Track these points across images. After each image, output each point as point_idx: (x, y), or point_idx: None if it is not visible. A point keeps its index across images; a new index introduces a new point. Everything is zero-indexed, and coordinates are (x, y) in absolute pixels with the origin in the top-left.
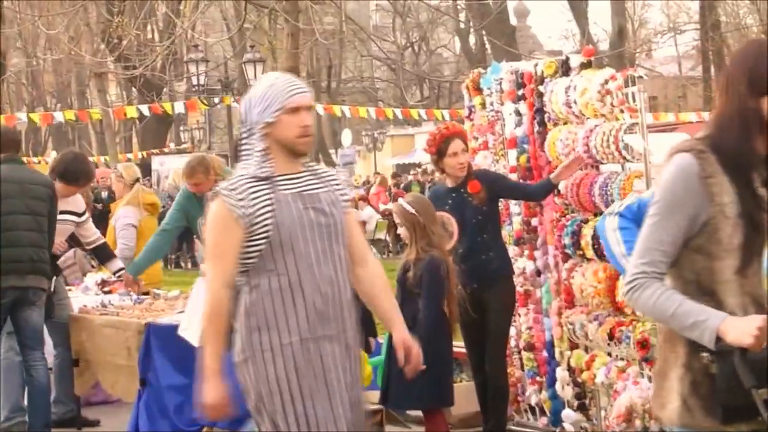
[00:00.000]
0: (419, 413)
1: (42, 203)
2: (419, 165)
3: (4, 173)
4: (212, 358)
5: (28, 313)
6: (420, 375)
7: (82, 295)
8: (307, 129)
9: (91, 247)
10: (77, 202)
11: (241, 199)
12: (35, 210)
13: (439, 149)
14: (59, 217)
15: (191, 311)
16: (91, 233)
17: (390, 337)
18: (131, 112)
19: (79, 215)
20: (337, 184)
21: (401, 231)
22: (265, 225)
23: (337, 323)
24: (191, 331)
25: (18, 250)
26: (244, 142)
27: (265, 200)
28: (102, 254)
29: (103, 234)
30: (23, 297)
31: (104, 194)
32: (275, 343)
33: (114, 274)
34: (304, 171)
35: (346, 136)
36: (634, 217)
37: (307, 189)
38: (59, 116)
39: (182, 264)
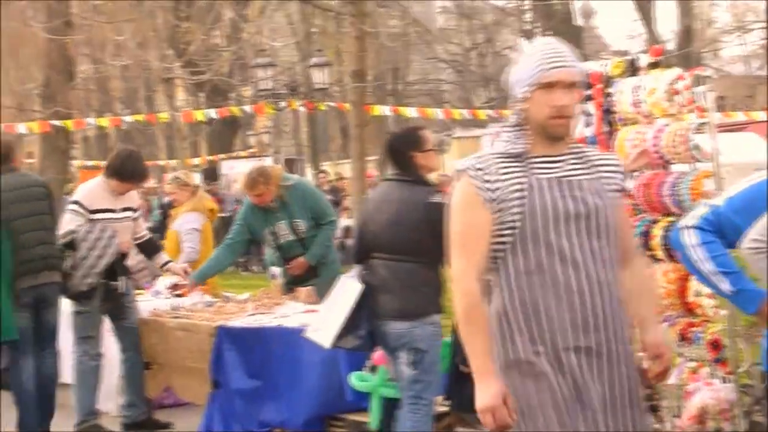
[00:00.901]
0: None
1: (42, 202)
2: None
3: (3, 183)
4: (481, 358)
5: (48, 313)
6: None
7: (154, 299)
8: (562, 109)
9: (138, 242)
10: (133, 198)
11: (488, 181)
12: (37, 210)
13: None
14: (121, 215)
15: (327, 311)
16: (141, 229)
17: (455, 337)
18: (199, 116)
19: (134, 211)
20: (608, 171)
21: None
22: (513, 212)
23: (599, 333)
24: (323, 333)
25: (29, 252)
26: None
27: (516, 183)
28: (149, 248)
29: (162, 238)
30: (41, 295)
31: (165, 200)
32: (522, 354)
33: (161, 267)
34: (568, 153)
35: None
36: (714, 229)
37: (567, 174)
38: (128, 120)
39: (251, 267)
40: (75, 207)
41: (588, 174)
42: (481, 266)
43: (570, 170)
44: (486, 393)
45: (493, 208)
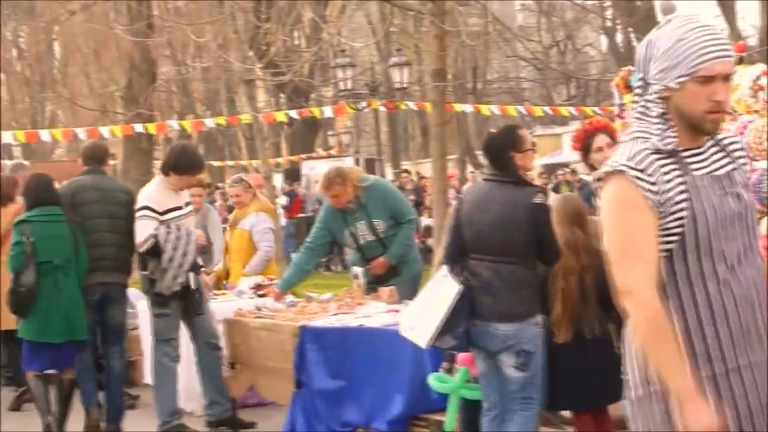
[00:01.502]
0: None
1: (121, 207)
2: (567, 165)
3: (86, 183)
4: (680, 375)
5: (113, 310)
6: (585, 374)
7: (237, 299)
8: (720, 104)
9: None
10: (187, 193)
11: (653, 183)
12: (114, 214)
13: (584, 145)
14: (186, 210)
15: (423, 310)
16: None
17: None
18: (280, 117)
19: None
20: (741, 156)
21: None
22: (678, 216)
23: (762, 344)
24: (419, 332)
25: (102, 250)
26: (637, 93)
27: (679, 183)
28: None
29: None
30: (109, 293)
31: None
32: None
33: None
34: (708, 142)
35: None
36: None
37: (718, 168)
38: (210, 123)
39: (332, 267)
40: (147, 212)
41: (732, 164)
42: (655, 273)
43: (718, 163)
44: (700, 414)
45: (659, 212)
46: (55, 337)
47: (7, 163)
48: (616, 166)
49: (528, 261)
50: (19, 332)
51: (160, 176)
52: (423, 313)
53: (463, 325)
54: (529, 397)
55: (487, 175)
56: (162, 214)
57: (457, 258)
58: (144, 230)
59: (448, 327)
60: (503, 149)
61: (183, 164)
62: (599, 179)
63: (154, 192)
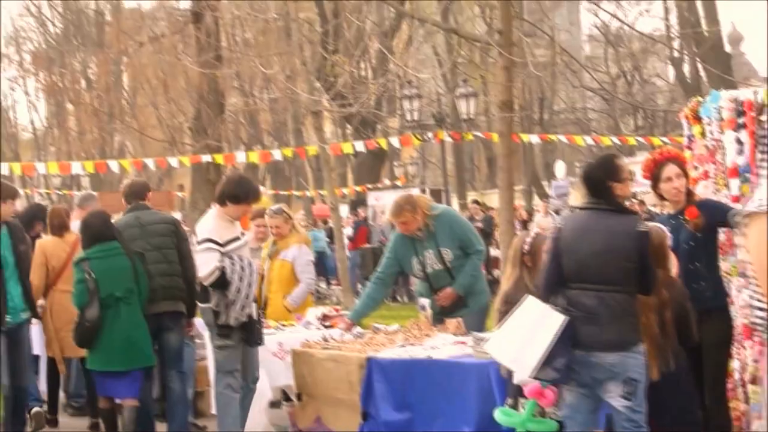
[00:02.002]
0: None
1: (165, 238)
2: (634, 195)
3: (127, 221)
4: None
5: (169, 336)
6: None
7: (304, 330)
8: None
9: None
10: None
11: None
12: (159, 245)
13: (653, 174)
14: (243, 240)
15: (519, 339)
16: None
17: None
18: (347, 148)
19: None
20: None
21: None
22: None
23: None
24: (521, 364)
25: (151, 282)
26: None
27: None
28: None
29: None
30: (164, 322)
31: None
32: None
33: None
34: None
35: (560, 167)
36: None
37: None
38: (277, 154)
39: (399, 298)
40: (209, 245)
41: None
42: None
43: None
44: None
45: None
46: (121, 365)
47: (77, 193)
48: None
49: (631, 289)
50: (87, 363)
51: (216, 207)
52: (524, 343)
53: (566, 356)
54: (639, 425)
55: (587, 204)
56: (223, 245)
57: (555, 287)
58: (208, 263)
59: (549, 358)
60: (602, 179)
61: (240, 193)
62: (745, 216)
63: (213, 224)
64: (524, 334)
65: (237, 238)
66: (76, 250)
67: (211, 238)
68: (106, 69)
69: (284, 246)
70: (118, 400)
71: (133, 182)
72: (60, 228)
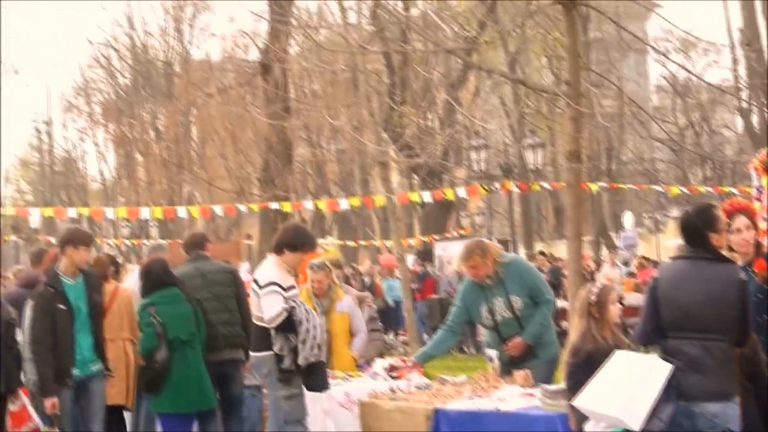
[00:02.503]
0: None
1: (225, 287)
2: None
3: (188, 271)
4: None
5: (230, 384)
6: None
7: (371, 380)
8: None
9: None
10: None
11: None
12: (219, 294)
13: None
14: (296, 290)
15: (632, 391)
16: None
17: None
18: (414, 197)
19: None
20: None
21: None
22: None
23: None
24: (633, 416)
25: (213, 329)
26: None
27: None
28: None
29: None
30: (225, 370)
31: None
32: None
33: None
34: None
35: (628, 218)
36: None
37: None
38: (344, 203)
39: (466, 349)
40: (275, 288)
41: None
42: None
43: None
44: None
45: None
46: (188, 407)
47: (146, 243)
48: None
49: (732, 337)
50: (153, 407)
51: (273, 256)
52: (632, 392)
53: (671, 406)
54: None
55: (684, 253)
56: (286, 290)
57: (652, 337)
58: (274, 305)
59: (655, 409)
60: (699, 228)
61: (297, 242)
62: None
63: (275, 270)
64: (631, 384)
65: (294, 286)
66: (115, 299)
67: (276, 281)
68: (174, 120)
69: (338, 298)
70: None
71: (194, 234)
72: (100, 277)
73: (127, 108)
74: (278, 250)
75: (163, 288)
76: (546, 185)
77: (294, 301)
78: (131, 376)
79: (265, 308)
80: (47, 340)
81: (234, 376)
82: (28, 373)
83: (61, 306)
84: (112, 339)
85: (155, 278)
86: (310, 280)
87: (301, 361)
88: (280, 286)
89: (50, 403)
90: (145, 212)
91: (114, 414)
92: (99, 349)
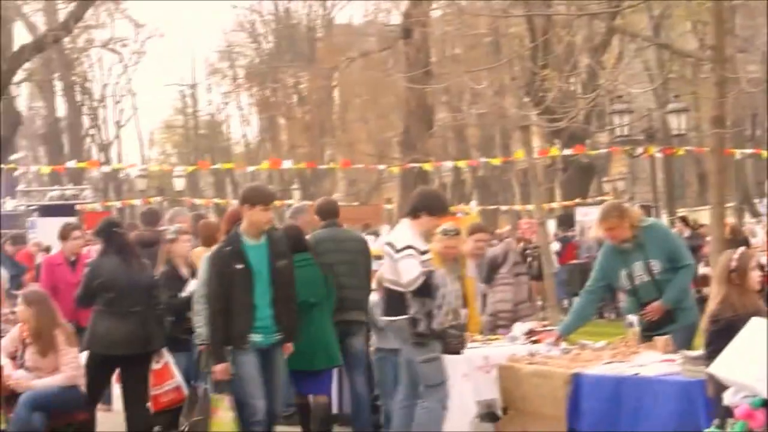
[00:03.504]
0: None
1: (356, 254)
2: None
3: (322, 236)
4: None
5: (354, 340)
6: None
7: (510, 344)
8: None
9: None
10: None
11: None
12: (350, 260)
13: None
14: (429, 254)
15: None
16: None
17: None
18: (554, 152)
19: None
20: None
21: None
22: None
23: None
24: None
25: (342, 292)
26: None
27: None
28: None
29: None
30: (350, 330)
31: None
32: None
33: None
34: None
35: None
36: None
37: None
38: (484, 163)
39: (606, 314)
40: (412, 252)
41: None
42: None
43: None
44: None
45: None
46: (317, 365)
47: (289, 203)
48: None
49: None
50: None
51: (410, 220)
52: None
53: None
54: None
55: None
56: (422, 254)
57: None
58: (413, 269)
59: None
60: None
61: (434, 206)
62: None
63: (411, 233)
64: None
65: (428, 251)
66: None
67: (413, 245)
68: (317, 84)
69: (464, 264)
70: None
71: (327, 201)
72: (208, 240)
73: (270, 72)
74: (414, 214)
75: (295, 253)
76: (690, 150)
77: (429, 266)
78: None
79: (403, 272)
80: (220, 303)
81: (357, 334)
82: (196, 326)
83: (239, 266)
84: None
85: (290, 244)
86: (443, 245)
87: (435, 325)
88: (416, 250)
89: (220, 368)
90: (287, 165)
91: None
92: (279, 317)
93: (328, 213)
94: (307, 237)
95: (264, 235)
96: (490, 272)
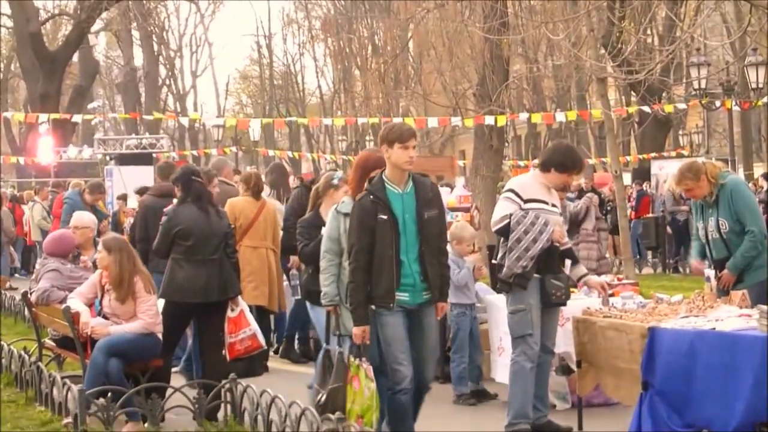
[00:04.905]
0: None
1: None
2: None
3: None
4: None
5: None
6: None
7: (585, 297)
8: None
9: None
10: (556, 196)
11: None
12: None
13: None
14: (552, 208)
15: None
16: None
17: None
18: (632, 110)
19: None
20: None
21: None
22: None
23: None
24: None
25: None
26: None
27: None
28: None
29: None
30: None
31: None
32: None
33: (578, 280)
34: None
35: None
36: None
37: None
38: (560, 116)
39: (681, 269)
40: (509, 195)
41: None
42: None
43: None
44: None
45: None
46: None
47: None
48: None
49: None
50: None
51: (538, 171)
52: None
53: None
54: None
55: None
56: (525, 201)
57: None
58: (502, 210)
59: None
60: None
61: (568, 162)
62: None
63: (523, 180)
64: None
65: (543, 201)
66: (262, 212)
67: (514, 189)
68: (392, 35)
69: None
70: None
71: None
72: (256, 191)
73: (346, 23)
74: (545, 167)
75: None
76: None
77: (527, 211)
78: (274, 282)
79: (495, 212)
80: (363, 257)
81: None
82: (323, 285)
83: (383, 216)
84: (256, 246)
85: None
86: None
87: (504, 271)
88: (517, 194)
89: (360, 330)
90: (361, 121)
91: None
92: (427, 274)
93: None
94: None
95: (410, 181)
96: (572, 227)
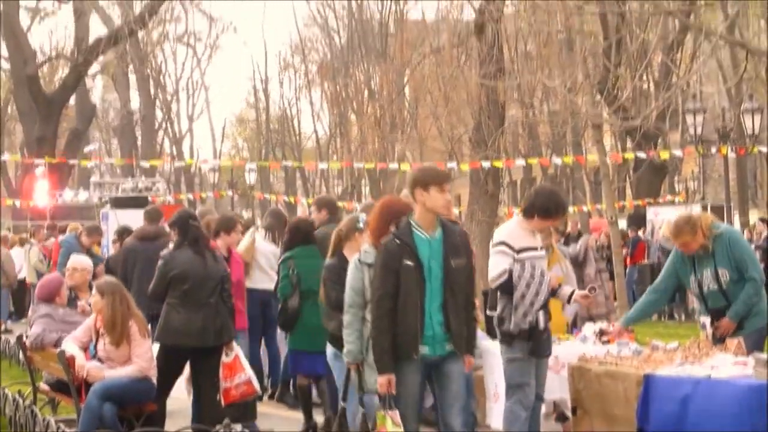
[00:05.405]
0: None
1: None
2: None
3: (326, 232)
4: None
5: None
6: None
7: (581, 344)
8: None
9: None
10: (540, 238)
11: None
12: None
13: None
14: (541, 252)
15: None
16: None
17: None
18: (629, 157)
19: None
20: None
21: None
22: None
23: None
24: None
25: None
26: None
27: None
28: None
29: None
30: None
31: None
32: None
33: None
34: None
35: None
36: None
37: None
38: (556, 161)
39: (676, 315)
40: (503, 248)
41: None
42: None
43: None
44: None
45: None
46: (314, 347)
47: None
48: None
49: None
50: (288, 343)
51: (520, 217)
52: None
53: None
54: None
55: None
56: (517, 251)
57: None
58: (498, 265)
59: None
60: None
61: (551, 207)
62: None
63: (511, 229)
64: None
65: (533, 248)
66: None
67: (506, 241)
68: (388, 79)
69: (555, 261)
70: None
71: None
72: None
73: (342, 67)
74: (528, 213)
75: (304, 245)
76: (764, 151)
77: (523, 263)
78: None
79: (490, 268)
80: (387, 303)
81: None
82: (346, 342)
83: (408, 262)
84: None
85: (301, 236)
86: None
87: (512, 327)
88: (510, 246)
89: (385, 379)
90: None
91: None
92: (450, 325)
93: (336, 209)
94: (316, 232)
95: (439, 227)
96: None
